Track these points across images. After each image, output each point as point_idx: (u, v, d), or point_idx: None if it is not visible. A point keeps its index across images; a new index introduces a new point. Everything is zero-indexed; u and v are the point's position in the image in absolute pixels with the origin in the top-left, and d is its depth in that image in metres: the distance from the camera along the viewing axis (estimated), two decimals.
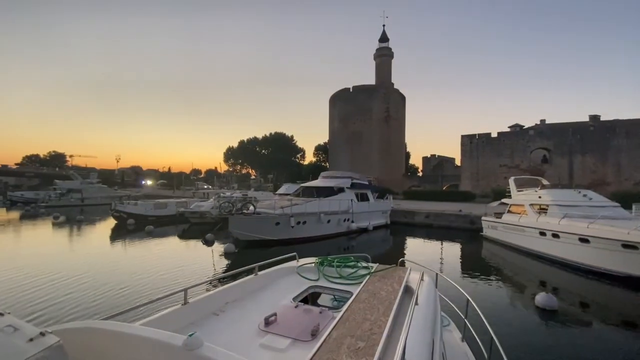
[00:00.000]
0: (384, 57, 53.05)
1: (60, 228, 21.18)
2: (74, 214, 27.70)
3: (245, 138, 66.99)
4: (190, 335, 1.43)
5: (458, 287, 3.62)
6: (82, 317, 6.73)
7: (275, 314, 2.37)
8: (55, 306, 7.35)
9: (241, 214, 14.50)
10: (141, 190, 44.79)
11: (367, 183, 21.71)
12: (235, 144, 68.15)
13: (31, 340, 1.05)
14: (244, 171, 69.65)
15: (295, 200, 16.61)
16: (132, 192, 40.07)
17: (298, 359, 1.87)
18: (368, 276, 3.29)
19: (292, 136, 67.87)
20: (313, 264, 3.67)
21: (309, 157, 69.32)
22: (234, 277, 3.30)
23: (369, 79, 59.39)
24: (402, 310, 2.45)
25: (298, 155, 68.15)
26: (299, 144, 68.86)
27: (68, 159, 76.01)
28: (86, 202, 35.20)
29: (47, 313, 6.96)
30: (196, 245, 15.96)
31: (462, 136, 37.82)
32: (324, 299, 3.32)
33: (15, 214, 30.46)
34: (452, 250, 15.49)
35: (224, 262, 12.25)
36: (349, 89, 50.86)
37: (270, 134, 66.25)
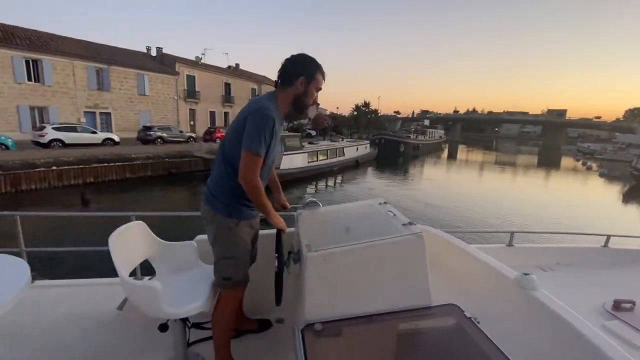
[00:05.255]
0: None
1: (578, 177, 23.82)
2: (619, 168, 27.49)
3: None
4: (526, 275, 1.32)
5: None
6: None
7: (633, 303, 1.97)
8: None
9: None
10: None
11: None
12: None
13: (403, 225, 1.36)
14: None
15: None
16: None
17: None
18: None
19: None
20: None
21: None
22: (570, 239, 2.83)
23: None
24: None
25: None
26: None
27: None
28: None
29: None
30: None
31: None
32: None
33: (575, 164, 36.20)
34: None
35: None
36: None
37: None
